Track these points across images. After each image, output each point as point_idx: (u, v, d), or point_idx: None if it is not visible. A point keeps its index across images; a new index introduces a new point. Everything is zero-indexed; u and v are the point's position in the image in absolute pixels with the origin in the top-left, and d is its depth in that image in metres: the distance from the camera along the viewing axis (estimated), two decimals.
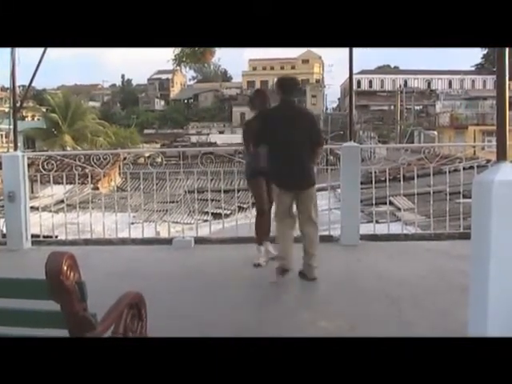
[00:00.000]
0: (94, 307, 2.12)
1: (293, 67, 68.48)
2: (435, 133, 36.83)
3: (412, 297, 4.40)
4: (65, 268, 1.90)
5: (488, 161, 9.33)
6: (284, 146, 4.80)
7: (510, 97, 2.70)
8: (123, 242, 6.71)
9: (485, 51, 52.56)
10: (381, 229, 7.00)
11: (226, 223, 7.27)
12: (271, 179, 5.12)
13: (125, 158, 16.46)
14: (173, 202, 13.93)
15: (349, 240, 6.19)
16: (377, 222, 7.21)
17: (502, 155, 2.59)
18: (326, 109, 65.59)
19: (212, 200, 7.22)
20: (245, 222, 7.26)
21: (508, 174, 2.52)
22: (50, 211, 7.92)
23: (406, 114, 50.34)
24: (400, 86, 55.17)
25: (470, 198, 3.40)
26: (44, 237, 7.23)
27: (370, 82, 63.61)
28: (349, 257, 5.82)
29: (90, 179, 7.92)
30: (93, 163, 7.25)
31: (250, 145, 5.23)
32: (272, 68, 66.70)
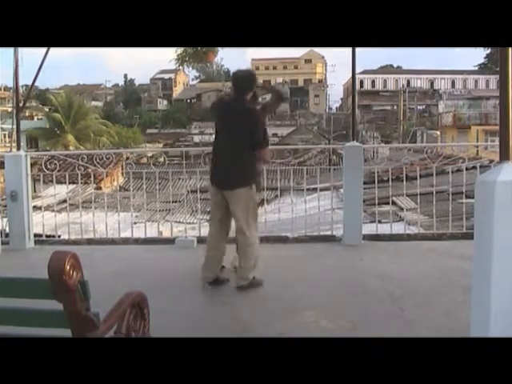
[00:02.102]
0: (97, 306, 2.13)
1: (295, 67, 68.61)
2: (438, 133, 36.74)
3: (414, 297, 4.40)
4: (67, 267, 1.90)
5: (491, 161, 9.35)
6: (223, 143, 4.69)
7: None
8: (126, 241, 6.71)
9: (488, 51, 52.38)
10: (383, 229, 7.00)
11: None
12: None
13: (127, 158, 16.54)
14: (175, 201, 14.03)
15: (351, 240, 6.18)
16: (379, 221, 7.21)
17: (505, 155, 2.58)
18: (329, 109, 65.73)
19: None
20: None
21: (511, 174, 2.51)
22: (53, 211, 7.94)
23: (409, 113, 50.29)
24: (403, 86, 55.16)
25: (472, 198, 3.40)
26: (47, 236, 7.24)
27: (373, 81, 63.58)
28: (351, 256, 5.81)
29: (92, 179, 7.89)
30: (95, 163, 7.26)
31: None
32: (275, 68, 66.78)
